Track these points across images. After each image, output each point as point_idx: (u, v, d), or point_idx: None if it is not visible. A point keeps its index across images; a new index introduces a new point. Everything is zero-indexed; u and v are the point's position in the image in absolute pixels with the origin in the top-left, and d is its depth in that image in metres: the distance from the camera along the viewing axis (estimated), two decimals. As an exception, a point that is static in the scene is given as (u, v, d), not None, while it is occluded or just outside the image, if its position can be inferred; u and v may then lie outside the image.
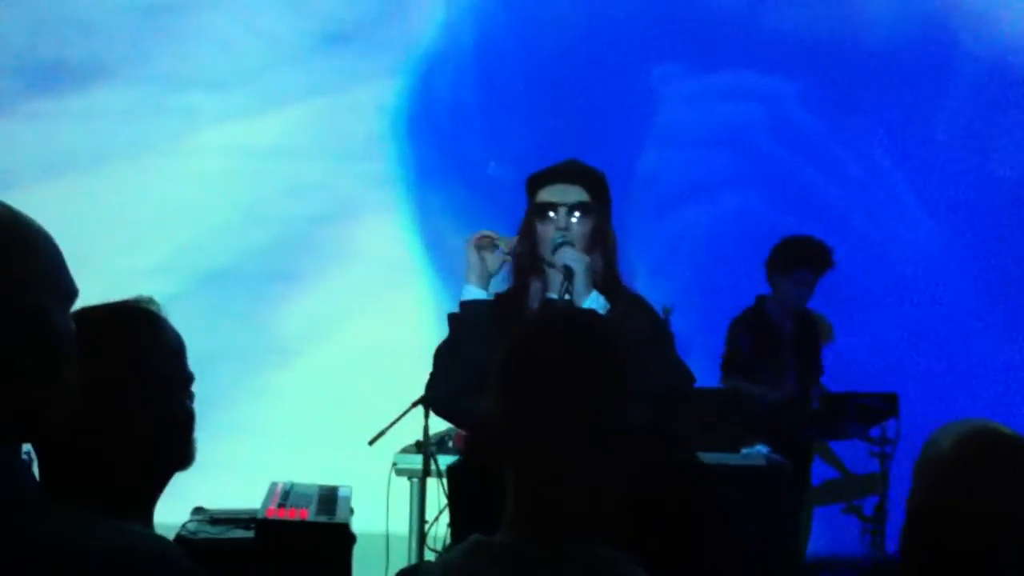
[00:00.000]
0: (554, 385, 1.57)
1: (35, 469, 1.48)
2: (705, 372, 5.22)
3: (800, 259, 5.46)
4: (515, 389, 1.59)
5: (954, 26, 6.82)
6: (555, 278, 3.20)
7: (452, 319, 3.29)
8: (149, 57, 6.79)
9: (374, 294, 6.81)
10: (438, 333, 6.04)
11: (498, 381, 1.61)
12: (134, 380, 1.67)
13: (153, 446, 1.68)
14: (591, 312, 2.91)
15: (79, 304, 1.53)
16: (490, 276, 3.28)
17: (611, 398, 1.58)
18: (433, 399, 3.35)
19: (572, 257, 3.13)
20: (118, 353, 1.68)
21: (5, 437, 1.33)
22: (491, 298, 3.26)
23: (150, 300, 1.77)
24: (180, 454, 1.73)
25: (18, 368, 1.32)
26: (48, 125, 6.68)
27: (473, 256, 3.26)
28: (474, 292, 3.25)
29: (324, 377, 6.57)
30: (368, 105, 6.88)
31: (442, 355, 3.28)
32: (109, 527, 1.34)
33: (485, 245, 3.26)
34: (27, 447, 1.50)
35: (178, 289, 6.33)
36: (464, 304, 3.25)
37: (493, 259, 3.25)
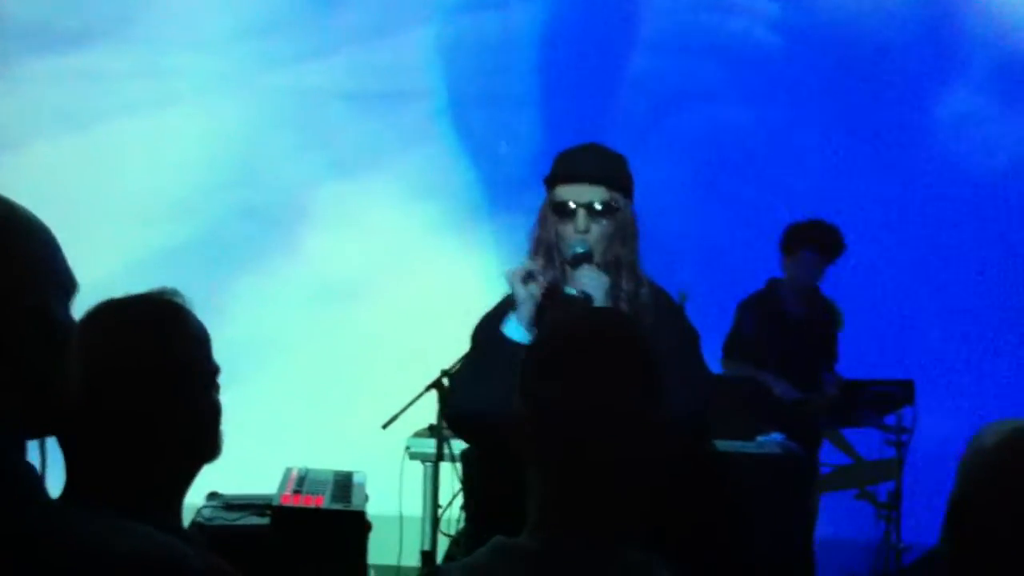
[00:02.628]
0: (583, 386, 1.54)
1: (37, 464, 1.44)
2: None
3: (803, 240, 5.48)
4: (544, 390, 1.56)
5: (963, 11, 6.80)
6: (572, 272, 3.12)
7: (485, 343, 3.11)
8: (141, 20, 6.75)
9: (385, 269, 6.78)
10: (453, 313, 6.05)
11: (526, 382, 1.59)
12: (159, 373, 1.65)
13: (179, 439, 1.67)
14: (621, 311, 2.85)
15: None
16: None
17: (641, 398, 1.55)
18: (459, 416, 3.15)
19: (591, 284, 3.03)
20: (143, 346, 1.66)
21: (8, 435, 1.30)
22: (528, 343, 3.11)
23: (175, 292, 1.75)
24: (207, 447, 1.72)
25: (19, 365, 1.29)
26: (39, 87, 6.66)
27: (523, 291, 3.04)
28: (521, 334, 3.04)
29: (337, 358, 6.55)
30: (362, 67, 6.83)
31: (471, 376, 3.08)
32: (120, 529, 1.31)
33: (531, 278, 3.06)
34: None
35: (172, 259, 6.31)
36: (506, 340, 3.04)
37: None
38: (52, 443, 1.47)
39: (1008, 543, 1.87)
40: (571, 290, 3.08)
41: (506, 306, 3.14)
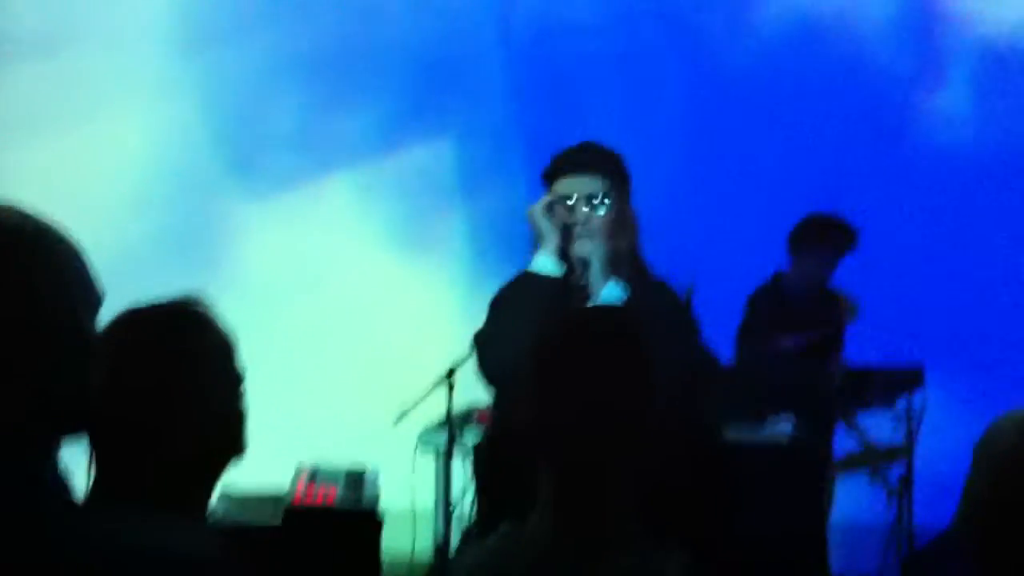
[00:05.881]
0: (588, 383, 1.57)
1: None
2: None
3: (825, 237, 5.36)
4: (550, 387, 1.59)
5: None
6: (573, 244, 3.17)
7: (516, 290, 3.15)
8: (97, 22, 6.71)
9: (389, 264, 6.78)
10: (464, 304, 6.06)
11: (532, 379, 1.61)
12: (186, 380, 1.68)
13: (206, 446, 1.69)
14: (623, 310, 2.87)
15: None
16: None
17: (645, 394, 1.58)
18: (493, 371, 3.16)
19: (588, 248, 3.09)
20: (170, 353, 1.69)
21: (39, 442, 1.34)
22: (561, 275, 3.12)
23: (200, 298, 1.77)
24: (232, 451, 1.74)
25: (49, 375, 1.34)
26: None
27: (546, 224, 3.12)
28: (550, 266, 3.12)
29: (348, 351, 6.56)
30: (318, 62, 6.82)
31: (508, 325, 3.06)
32: (146, 527, 1.35)
33: (551, 211, 3.12)
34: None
35: (145, 255, 6.30)
36: (536, 277, 3.11)
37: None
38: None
39: None
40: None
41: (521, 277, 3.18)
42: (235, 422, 1.74)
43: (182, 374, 1.68)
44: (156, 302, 1.75)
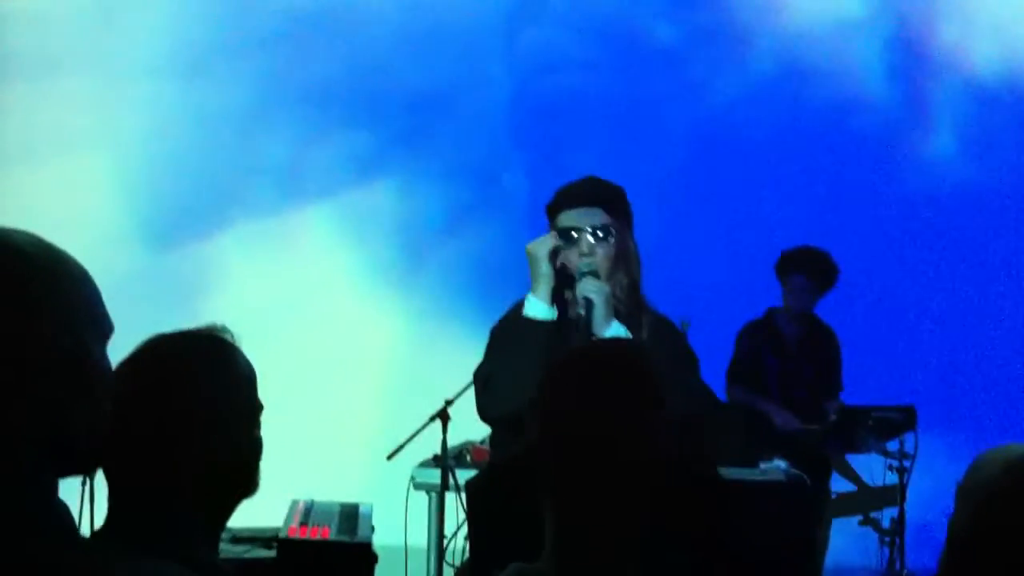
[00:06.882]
0: (594, 416, 1.57)
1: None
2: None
3: (794, 265, 5.57)
4: (555, 420, 1.59)
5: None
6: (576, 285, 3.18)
7: (510, 334, 3.16)
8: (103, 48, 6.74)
9: (371, 297, 6.78)
10: (447, 337, 6.04)
11: (537, 412, 1.61)
12: (206, 409, 1.67)
13: (221, 475, 1.68)
14: (630, 341, 2.88)
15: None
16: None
17: (650, 426, 1.58)
18: (493, 410, 3.16)
19: (591, 288, 3.08)
20: (192, 381, 1.68)
21: (46, 471, 1.34)
22: (553, 319, 3.12)
23: (223, 328, 1.77)
24: (247, 483, 1.73)
25: (60, 404, 1.34)
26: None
27: (546, 266, 3.11)
28: (543, 311, 3.12)
29: (339, 388, 6.55)
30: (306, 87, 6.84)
31: (503, 370, 3.09)
32: (148, 569, 1.33)
33: (555, 256, 3.12)
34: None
35: (149, 284, 6.29)
36: (532, 322, 3.12)
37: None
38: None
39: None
40: (580, 310, 3.11)
41: (521, 308, 3.18)
42: (253, 453, 1.74)
43: (209, 403, 1.67)
44: (182, 330, 1.75)
